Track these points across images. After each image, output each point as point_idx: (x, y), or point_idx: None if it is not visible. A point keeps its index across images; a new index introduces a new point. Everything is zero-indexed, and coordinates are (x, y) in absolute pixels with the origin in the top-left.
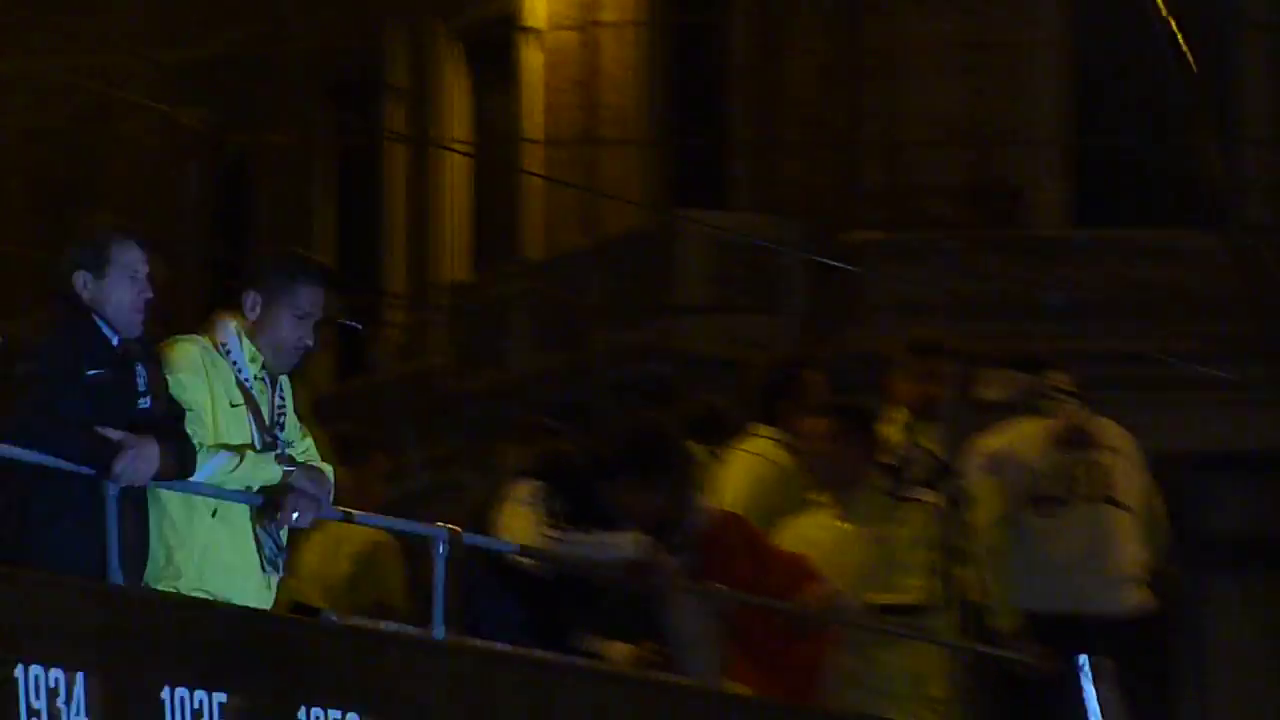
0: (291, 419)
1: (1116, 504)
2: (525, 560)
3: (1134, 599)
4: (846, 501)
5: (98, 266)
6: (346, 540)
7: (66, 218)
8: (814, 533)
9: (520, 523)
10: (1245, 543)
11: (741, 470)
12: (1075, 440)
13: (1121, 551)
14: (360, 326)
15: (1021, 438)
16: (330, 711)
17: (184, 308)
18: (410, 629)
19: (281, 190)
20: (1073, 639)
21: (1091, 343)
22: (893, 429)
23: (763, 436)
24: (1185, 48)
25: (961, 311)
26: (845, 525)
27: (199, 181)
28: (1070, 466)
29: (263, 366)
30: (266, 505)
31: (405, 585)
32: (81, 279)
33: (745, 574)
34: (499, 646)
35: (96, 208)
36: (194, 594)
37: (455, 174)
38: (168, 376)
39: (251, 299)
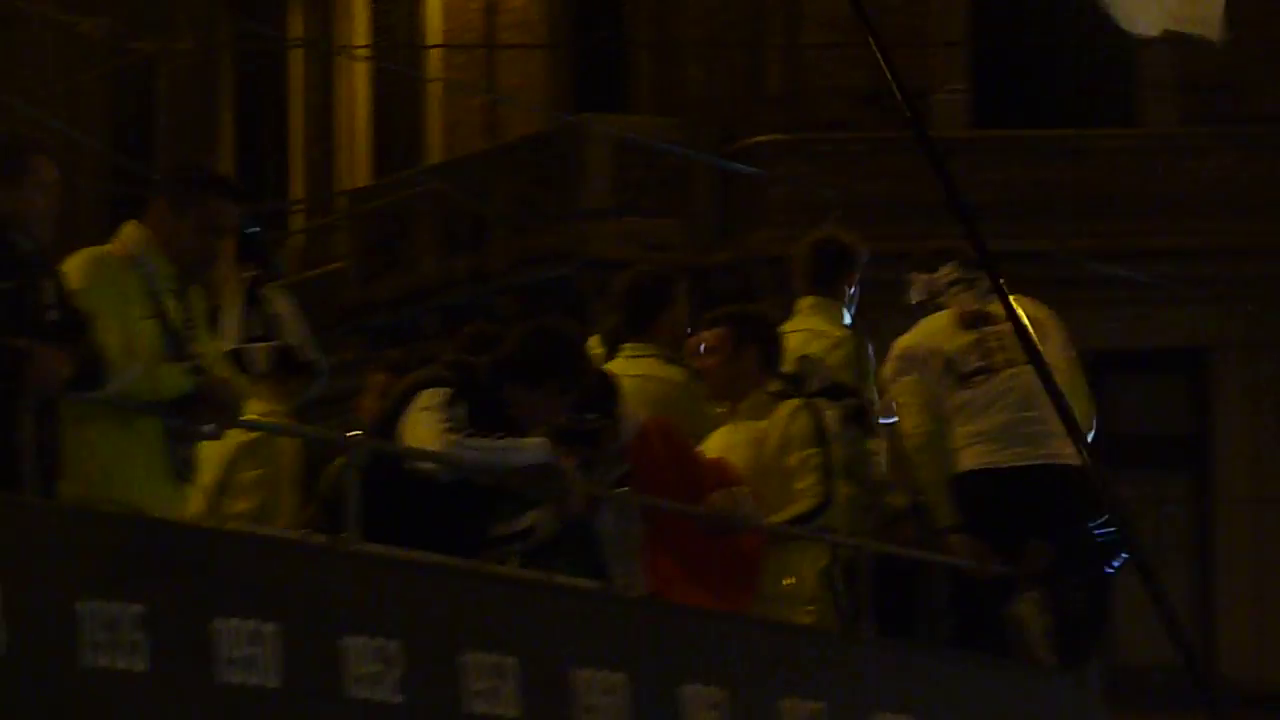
0: (201, 329)
1: (1040, 364)
2: (427, 466)
3: (1069, 452)
4: (743, 410)
5: (8, 177)
6: (247, 448)
7: None
8: (723, 441)
9: (423, 429)
10: (1146, 443)
11: (634, 398)
12: (979, 320)
13: (1054, 405)
14: (259, 230)
15: (928, 331)
16: (244, 621)
17: (88, 217)
18: (319, 537)
19: (183, 98)
20: (1017, 491)
21: (994, 243)
22: (796, 336)
23: (643, 356)
24: None
25: (867, 213)
26: (737, 430)
27: (101, 90)
28: (983, 339)
29: (171, 277)
30: (177, 415)
31: (302, 492)
32: None
33: (671, 481)
34: (412, 554)
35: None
36: (104, 505)
37: (356, 80)
38: (75, 288)
39: (159, 210)
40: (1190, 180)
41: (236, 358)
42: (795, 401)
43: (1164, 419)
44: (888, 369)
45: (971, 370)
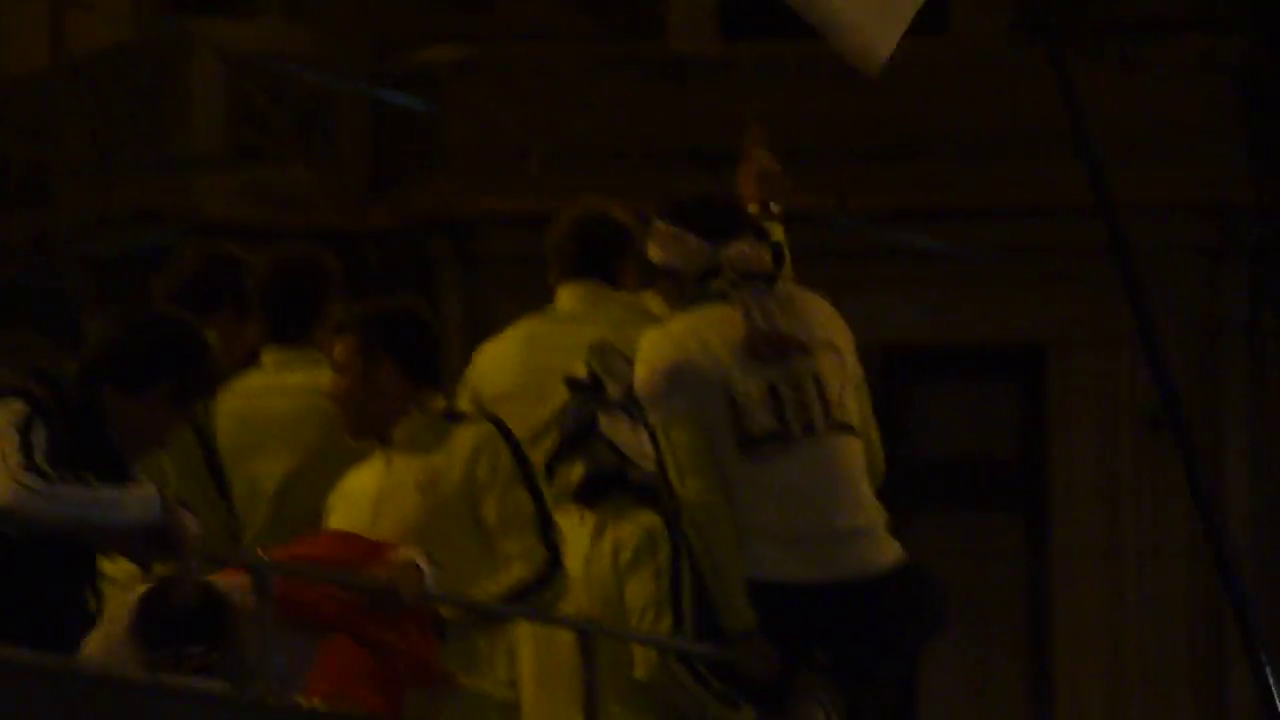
0: None
1: (846, 428)
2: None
3: (885, 551)
4: (399, 443)
5: None
6: None
7: None
8: (361, 484)
9: None
10: (953, 470)
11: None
12: (773, 346)
13: (860, 492)
14: None
15: (704, 341)
16: None
17: None
18: None
19: None
20: (813, 611)
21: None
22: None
23: (297, 364)
24: None
25: (578, 159)
26: (393, 469)
27: None
28: (777, 386)
29: None
30: None
31: None
32: None
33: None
34: None
35: None
36: None
37: None
38: None
39: None
40: (1022, 113)
41: None
42: (482, 425)
43: (974, 439)
44: (643, 379)
45: (763, 434)
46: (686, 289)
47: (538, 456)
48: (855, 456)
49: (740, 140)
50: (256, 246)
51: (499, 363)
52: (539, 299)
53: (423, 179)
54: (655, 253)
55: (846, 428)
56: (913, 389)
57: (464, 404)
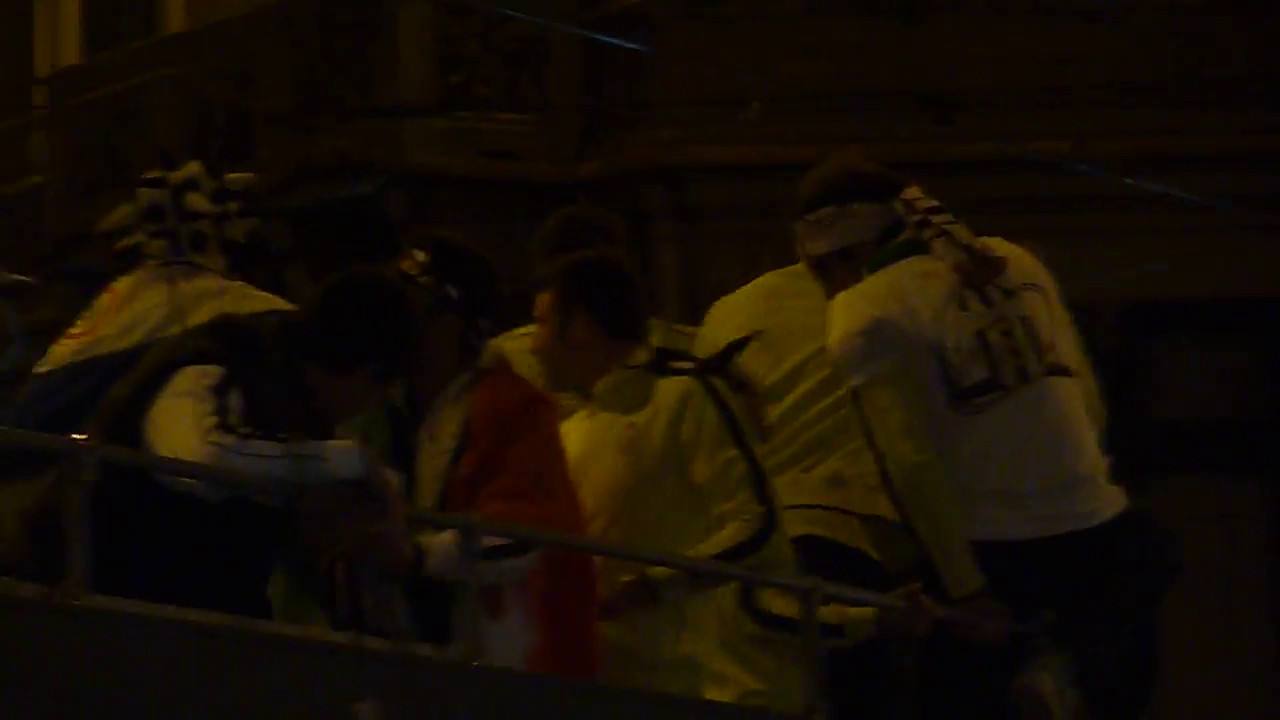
0: None
1: (1062, 371)
2: (187, 480)
3: (1109, 500)
4: (600, 397)
5: None
6: None
7: None
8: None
9: (181, 427)
10: (1196, 431)
11: None
12: (988, 265)
13: (1081, 438)
14: None
15: (901, 299)
16: None
17: None
18: (29, 587)
19: None
20: (1038, 569)
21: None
22: None
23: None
24: None
25: (798, 105)
26: (596, 426)
27: None
28: (985, 333)
29: None
30: None
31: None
32: None
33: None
34: (167, 611)
35: None
36: None
37: None
38: None
39: None
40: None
41: None
42: (685, 381)
43: (1234, 397)
44: (840, 341)
45: (975, 385)
46: (866, 259)
47: (774, 411)
48: (1074, 400)
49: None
50: (464, 196)
51: (735, 315)
52: (756, 250)
53: (636, 127)
54: (819, 244)
55: (1062, 370)
56: (1152, 346)
57: (699, 354)
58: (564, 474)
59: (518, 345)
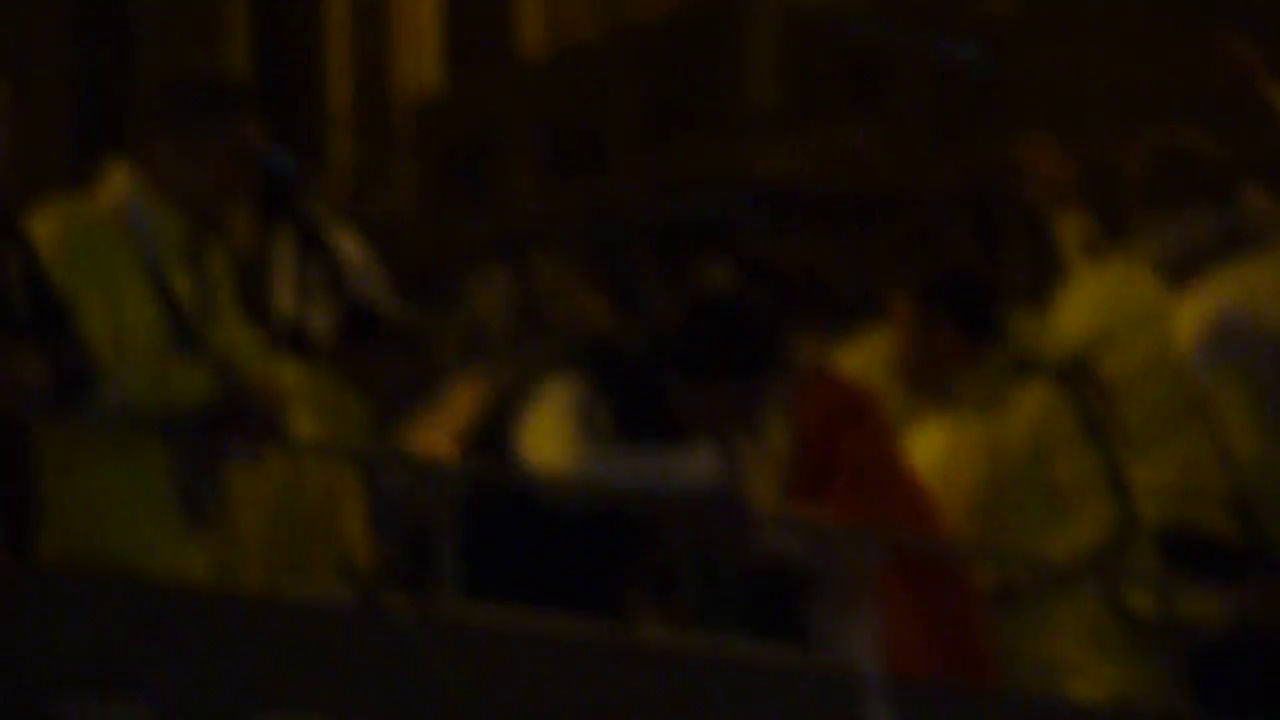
0: (224, 305)
1: None
2: (556, 491)
3: None
4: (963, 398)
5: None
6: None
7: None
8: (927, 448)
9: (553, 441)
10: None
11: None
12: None
13: None
14: (293, 164)
15: (1252, 294)
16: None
17: (51, 156)
18: (392, 597)
19: None
20: None
21: None
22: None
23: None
24: None
25: (1145, 110)
26: (958, 429)
27: None
28: None
29: (179, 235)
30: (194, 432)
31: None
32: None
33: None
34: (533, 622)
35: None
36: (93, 563)
37: None
38: (51, 262)
39: (156, 141)
40: None
41: (291, 332)
42: (1044, 383)
43: None
44: (1185, 339)
45: None
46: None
47: (1126, 405)
48: None
49: None
50: (816, 209)
51: (1084, 310)
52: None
53: (986, 135)
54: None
55: None
56: None
57: (1049, 353)
58: (899, 469)
59: (862, 357)
